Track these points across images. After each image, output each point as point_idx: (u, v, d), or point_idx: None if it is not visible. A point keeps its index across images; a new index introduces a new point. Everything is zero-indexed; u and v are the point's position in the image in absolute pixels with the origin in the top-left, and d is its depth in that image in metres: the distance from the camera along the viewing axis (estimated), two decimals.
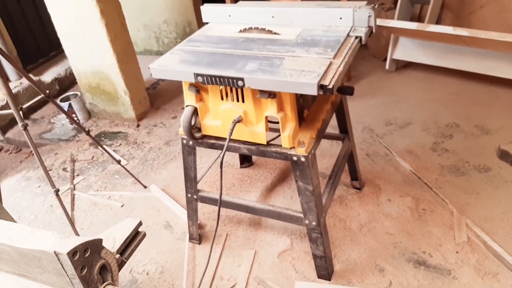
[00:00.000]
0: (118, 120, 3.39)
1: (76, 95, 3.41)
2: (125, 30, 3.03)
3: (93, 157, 3.01)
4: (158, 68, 1.53)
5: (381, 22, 2.91)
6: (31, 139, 1.84)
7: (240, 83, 1.40)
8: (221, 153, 1.60)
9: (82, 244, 0.74)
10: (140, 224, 0.93)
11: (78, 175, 2.85)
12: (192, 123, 1.67)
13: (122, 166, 2.52)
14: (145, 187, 2.59)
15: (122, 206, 2.50)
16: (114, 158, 2.42)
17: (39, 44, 4.06)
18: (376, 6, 1.65)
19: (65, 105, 3.33)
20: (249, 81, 1.39)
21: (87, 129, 2.24)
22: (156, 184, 2.60)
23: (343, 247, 2.02)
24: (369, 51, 3.86)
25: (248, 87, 1.41)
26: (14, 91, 3.47)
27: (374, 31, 1.62)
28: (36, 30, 4.00)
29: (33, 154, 3.22)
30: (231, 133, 1.54)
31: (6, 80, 1.96)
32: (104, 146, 3.09)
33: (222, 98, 1.57)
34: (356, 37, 1.57)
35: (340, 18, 1.62)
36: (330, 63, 1.39)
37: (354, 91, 1.81)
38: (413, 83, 3.35)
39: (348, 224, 2.14)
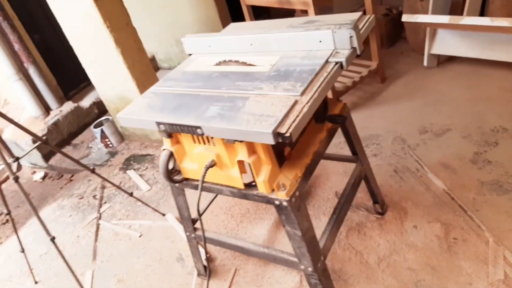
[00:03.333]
0: (147, 142, 3.43)
1: (108, 119, 3.50)
2: (143, 54, 3.03)
3: (120, 182, 3.07)
4: (124, 117, 1.46)
5: (408, 18, 2.58)
6: (23, 190, 1.87)
7: (199, 131, 1.28)
8: (198, 199, 1.49)
9: None
10: None
11: (105, 202, 2.91)
12: (171, 166, 1.59)
13: (134, 197, 2.52)
14: (163, 215, 2.57)
15: (140, 236, 2.50)
16: (125, 191, 2.42)
17: (78, 70, 4.23)
18: (368, 17, 1.42)
19: (97, 131, 3.44)
20: (207, 129, 1.26)
21: (91, 167, 2.25)
22: (172, 211, 2.57)
23: (357, 286, 1.82)
24: (409, 44, 3.50)
25: (207, 135, 1.28)
26: (53, 119, 3.66)
27: (359, 52, 1.40)
28: (74, 56, 4.17)
29: (72, 180, 3.37)
30: (203, 180, 1.43)
31: None
32: (132, 170, 3.15)
33: (194, 141, 1.46)
34: (337, 63, 1.37)
35: (320, 41, 1.42)
36: (295, 103, 1.22)
37: (348, 114, 1.59)
38: (457, 79, 2.96)
39: (365, 257, 1.93)
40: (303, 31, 1.45)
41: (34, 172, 3.67)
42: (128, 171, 3.15)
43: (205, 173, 1.42)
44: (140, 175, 3.06)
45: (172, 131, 1.37)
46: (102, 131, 3.42)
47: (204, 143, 1.44)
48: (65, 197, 3.12)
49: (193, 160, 1.52)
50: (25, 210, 3.18)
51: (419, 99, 2.89)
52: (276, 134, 1.13)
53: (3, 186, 3.54)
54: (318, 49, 1.44)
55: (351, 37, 1.35)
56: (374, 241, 1.98)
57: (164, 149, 1.54)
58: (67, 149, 3.74)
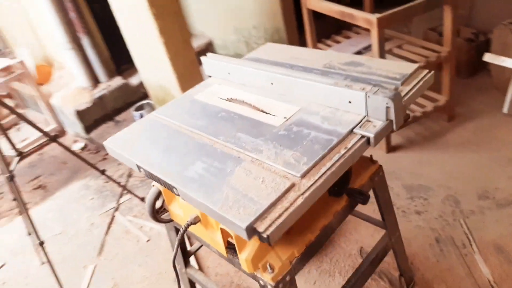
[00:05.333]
0: None
1: (149, 104, 3.41)
2: (189, 47, 2.85)
3: None
4: (110, 147, 1.29)
5: (491, 58, 2.13)
6: (16, 190, 1.77)
7: (175, 191, 1.07)
8: (173, 253, 1.29)
9: None
10: None
11: (127, 192, 2.84)
12: (159, 205, 1.40)
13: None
14: None
15: (148, 241, 2.39)
16: (138, 197, 2.29)
17: None
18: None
19: (137, 114, 3.37)
20: (182, 193, 1.04)
21: (102, 169, 2.14)
22: None
23: None
24: (492, 79, 2.97)
25: (182, 198, 1.07)
26: (100, 93, 3.65)
27: (396, 127, 1.08)
28: None
29: (106, 158, 3.35)
30: (182, 236, 1.23)
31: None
32: None
33: None
34: (363, 137, 1.07)
35: (350, 102, 1.13)
36: (290, 187, 0.95)
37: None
38: None
39: None
40: (331, 85, 1.15)
41: (76, 141, 3.72)
42: None
43: (185, 230, 1.22)
44: None
45: (152, 179, 1.17)
46: (141, 116, 3.34)
47: None
48: (93, 177, 3.10)
49: (181, 206, 1.32)
50: (57, 180, 3.23)
51: (488, 152, 2.42)
52: (251, 230, 0.89)
53: (45, 149, 3.63)
54: (346, 110, 1.15)
55: (387, 107, 1.04)
56: None
57: (153, 186, 1.36)
58: (109, 125, 3.72)
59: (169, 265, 2.20)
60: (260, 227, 0.88)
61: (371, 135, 1.05)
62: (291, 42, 3.75)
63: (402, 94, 1.17)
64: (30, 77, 3.33)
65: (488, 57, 2.14)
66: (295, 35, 3.76)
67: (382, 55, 2.29)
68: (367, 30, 3.10)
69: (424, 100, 2.70)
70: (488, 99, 2.84)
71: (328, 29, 3.47)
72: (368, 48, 2.83)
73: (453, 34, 2.44)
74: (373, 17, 2.15)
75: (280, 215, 0.89)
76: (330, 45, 3.07)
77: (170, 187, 1.08)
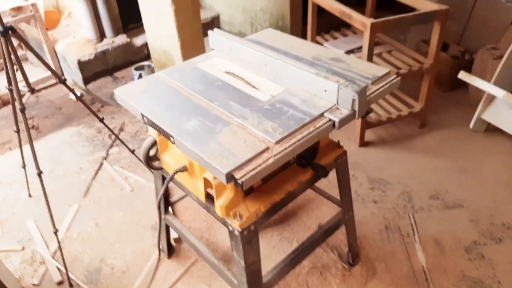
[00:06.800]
0: None
1: (150, 66, 3.58)
2: (197, 18, 3.02)
3: (137, 131, 3.18)
4: (119, 95, 1.50)
5: (464, 76, 2.38)
6: (25, 121, 1.94)
7: (171, 139, 1.29)
8: (158, 196, 1.52)
9: None
10: None
11: (117, 145, 3.04)
12: (153, 153, 1.62)
13: (135, 155, 2.60)
14: None
15: (131, 191, 2.61)
16: (127, 148, 2.51)
17: None
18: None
19: (136, 74, 3.54)
20: (177, 142, 1.27)
21: (102, 117, 2.34)
22: None
23: None
24: (468, 96, 3.24)
25: (177, 146, 1.29)
26: (104, 48, 3.79)
27: (357, 117, 1.32)
28: None
29: (100, 110, 3.53)
30: (168, 182, 1.46)
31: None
32: None
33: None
34: (330, 120, 1.30)
35: (325, 91, 1.36)
36: (265, 150, 1.18)
37: (328, 171, 1.53)
38: (499, 156, 2.73)
39: None
40: (313, 74, 1.38)
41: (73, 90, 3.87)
42: None
43: (173, 175, 1.45)
44: None
45: (153, 128, 1.38)
46: (140, 76, 3.51)
47: None
48: (86, 125, 3.29)
49: (172, 156, 1.54)
50: (51, 123, 3.40)
51: (447, 160, 2.70)
52: (230, 177, 1.12)
53: (41, 93, 3.79)
54: (321, 97, 1.38)
55: (353, 100, 1.28)
56: None
57: (149, 136, 1.58)
58: (108, 80, 3.89)
59: (147, 214, 2.43)
60: (237, 175, 1.11)
61: (337, 120, 1.28)
62: (293, 30, 3.95)
63: (370, 91, 1.40)
64: (40, 21, 3.46)
65: (462, 75, 2.39)
66: (298, 25, 3.95)
67: (370, 56, 2.51)
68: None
69: (401, 104, 2.95)
70: (460, 114, 3.12)
71: (329, 24, 3.68)
72: (360, 49, 3.05)
73: (438, 49, 2.68)
74: (368, 21, 2.37)
75: (253, 169, 1.13)
76: (327, 39, 3.28)
77: (167, 136, 1.30)
